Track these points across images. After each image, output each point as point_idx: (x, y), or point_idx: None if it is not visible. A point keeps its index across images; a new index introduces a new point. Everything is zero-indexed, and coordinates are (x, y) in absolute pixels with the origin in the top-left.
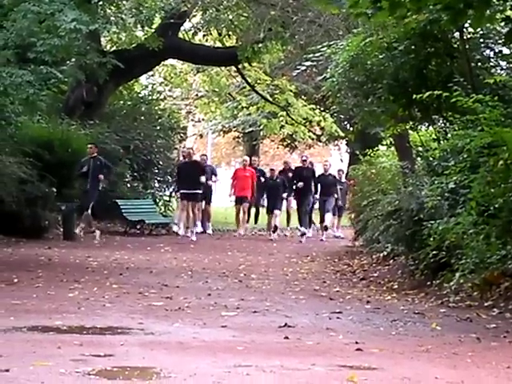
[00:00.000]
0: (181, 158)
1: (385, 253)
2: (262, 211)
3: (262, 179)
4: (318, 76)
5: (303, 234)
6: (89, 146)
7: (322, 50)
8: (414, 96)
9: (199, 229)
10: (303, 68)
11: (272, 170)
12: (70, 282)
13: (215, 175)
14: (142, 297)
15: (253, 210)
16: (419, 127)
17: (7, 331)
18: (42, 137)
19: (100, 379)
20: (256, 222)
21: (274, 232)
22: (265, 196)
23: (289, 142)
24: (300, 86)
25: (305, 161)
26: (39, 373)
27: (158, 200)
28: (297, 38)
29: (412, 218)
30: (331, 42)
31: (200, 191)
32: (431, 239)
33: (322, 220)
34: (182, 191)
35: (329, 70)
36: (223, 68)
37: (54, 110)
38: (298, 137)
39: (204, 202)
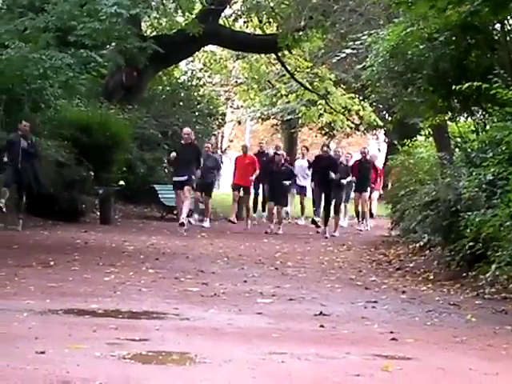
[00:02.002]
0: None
1: (421, 243)
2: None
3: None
4: (358, 65)
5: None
6: (23, 123)
7: (362, 38)
8: (454, 87)
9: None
10: (343, 55)
11: (277, 154)
12: (106, 266)
13: (218, 169)
14: (177, 282)
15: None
16: (458, 118)
17: (43, 313)
18: (81, 120)
19: (135, 363)
20: (255, 211)
21: (279, 224)
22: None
23: (327, 130)
24: (339, 75)
25: (325, 151)
26: (74, 355)
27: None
28: (337, 26)
29: (449, 208)
30: (372, 31)
31: (193, 176)
32: (468, 230)
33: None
34: (173, 179)
35: (368, 59)
36: (263, 55)
37: (93, 94)
38: (337, 125)
39: (204, 195)
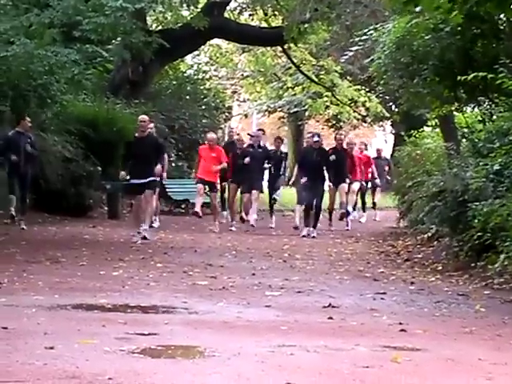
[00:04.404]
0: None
1: (429, 234)
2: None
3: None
4: (364, 57)
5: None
6: (27, 119)
7: (368, 33)
8: (460, 77)
9: (156, 224)
10: (351, 54)
11: (252, 136)
12: (114, 261)
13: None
14: (186, 276)
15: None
16: (464, 108)
17: (52, 309)
18: (87, 115)
19: (144, 358)
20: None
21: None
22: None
23: (334, 122)
24: (345, 67)
25: (317, 141)
26: (83, 350)
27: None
28: (343, 18)
29: (457, 199)
30: (377, 25)
31: (153, 178)
32: (476, 221)
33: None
34: (130, 181)
35: (375, 53)
36: (269, 48)
37: (100, 89)
38: (343, 117)
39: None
